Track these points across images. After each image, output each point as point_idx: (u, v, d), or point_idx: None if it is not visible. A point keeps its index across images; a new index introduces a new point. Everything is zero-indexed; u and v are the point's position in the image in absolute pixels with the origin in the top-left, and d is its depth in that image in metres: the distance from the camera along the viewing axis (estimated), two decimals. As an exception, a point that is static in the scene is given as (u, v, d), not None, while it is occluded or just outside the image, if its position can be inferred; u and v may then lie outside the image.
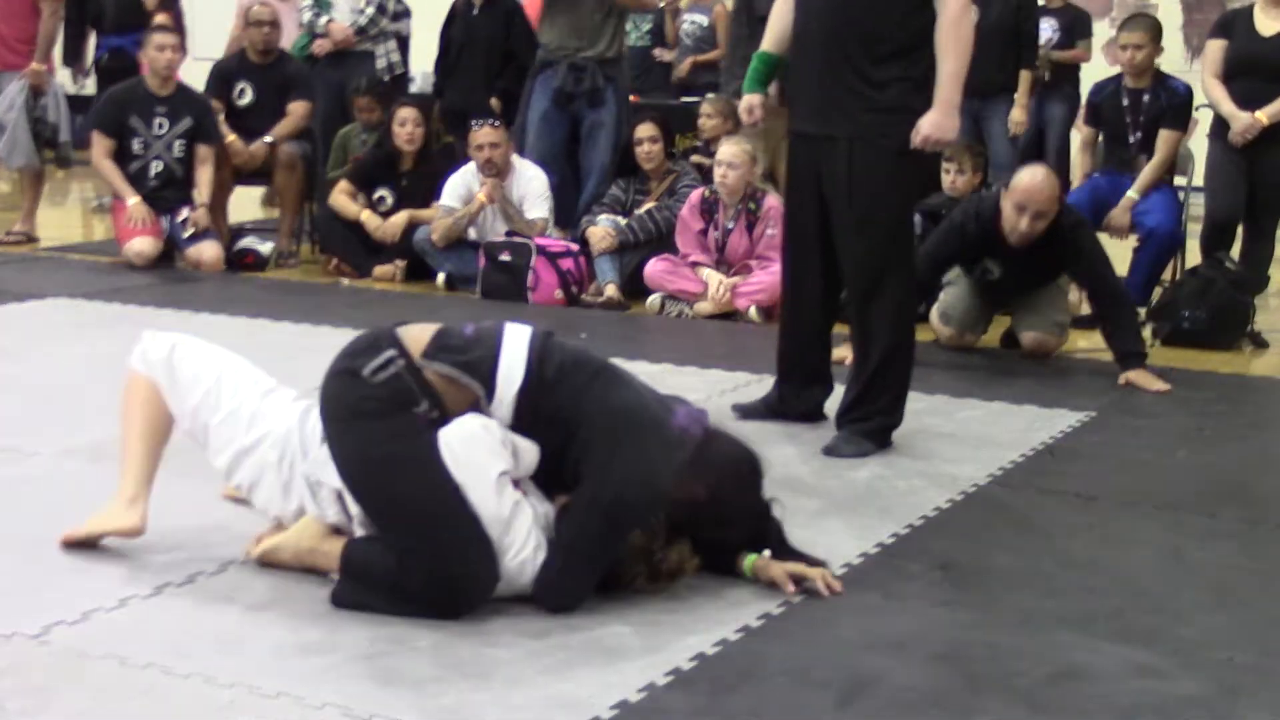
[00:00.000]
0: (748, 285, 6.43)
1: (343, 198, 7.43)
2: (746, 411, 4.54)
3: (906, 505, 3.79)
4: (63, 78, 9.04)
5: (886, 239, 4.25)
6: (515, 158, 7.14)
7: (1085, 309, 6.16)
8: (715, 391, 4.84)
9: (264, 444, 3.13)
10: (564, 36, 7.30)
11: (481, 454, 2.95)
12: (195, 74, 8.03)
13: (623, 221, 6.88)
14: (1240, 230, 6.56)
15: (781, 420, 4.47)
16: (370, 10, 8.28)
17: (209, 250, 7.23)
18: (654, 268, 6.61)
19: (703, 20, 9.75)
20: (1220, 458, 4.42)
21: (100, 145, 7.32)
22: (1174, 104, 6.47)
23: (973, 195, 6.15)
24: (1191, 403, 5.08)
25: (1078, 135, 7.13)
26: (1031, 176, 5.37)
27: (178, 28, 8.49)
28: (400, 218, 7.29)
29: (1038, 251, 5.45)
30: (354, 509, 3.05)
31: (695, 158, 7.31)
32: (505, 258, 6.81)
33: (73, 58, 9.71)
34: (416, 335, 3.07)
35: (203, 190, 7.31)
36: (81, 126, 8.38)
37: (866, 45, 4.15)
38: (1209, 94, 6.44)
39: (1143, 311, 6.49)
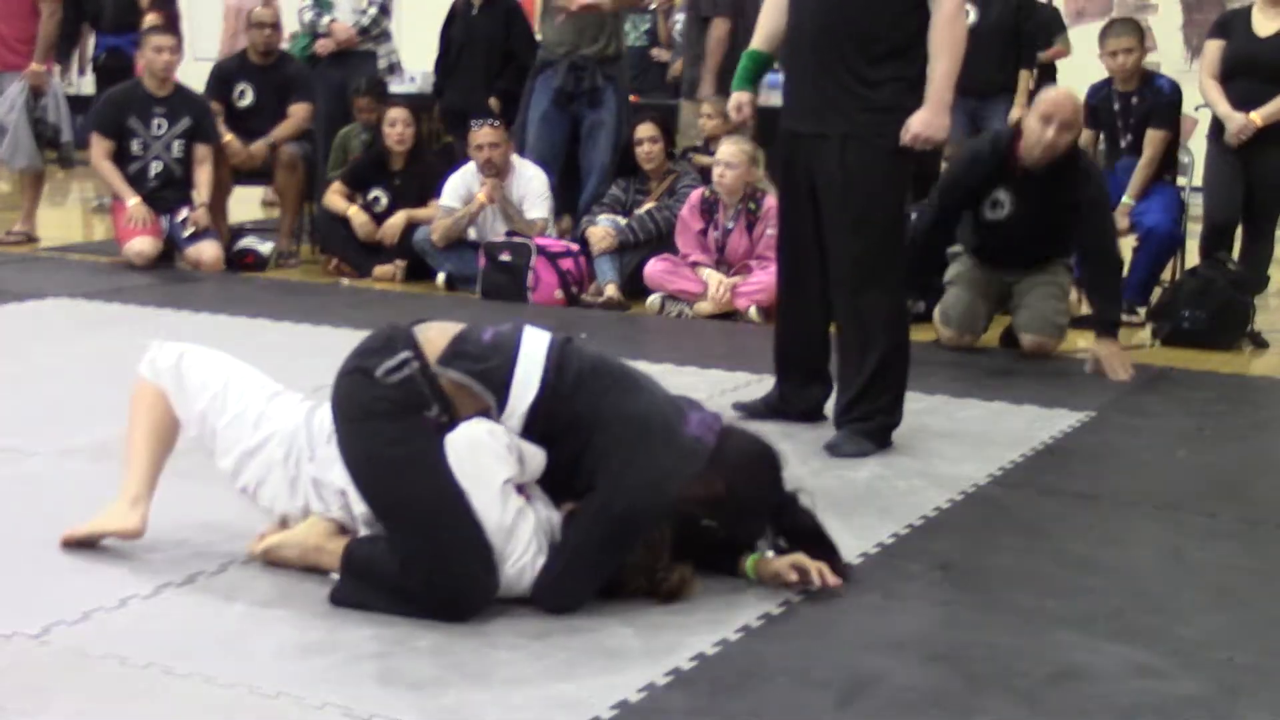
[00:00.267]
0: (748, 285, 6.43)
1: (335, 197, 7.45)
2: (747, 411, 4.54)
3: (906, 505, 3.79)
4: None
5: (881, 238, 4.25)
6: (515, 158, 7.14)
7: (1085, 309, 6.17)
8: (715, 391, 4.83)
9: (270, 443, 3.13)
10: (564, 36, 7.30)
11: (487, 460, 2.95)
12: (194, 74, 8.03)
13: (623, 221, 6.88)
14: (1239, 231, 6.56)
15: (782, 419, 4.47)
16: (373, 10, 8.28)
17: (209, 250, 7.23)
18: (654, 268, 6.61)
19: (696, 20, 9.74)
20: (1220, 458, 4.42)
21: (99, 147, 7.32)
22: (1160, 103, 6.48)
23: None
24: (1191, 403, 5.08)
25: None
26: (1056, 91, 5.61)
27: (173, 28, 8.50)
28: (399, 219, 7.30)
29: (1050, 181, 5.46)
30: (357, 509, 3.05)
31: (696, 158, 7.31)
32: (505, 258, 6.81)
33: (63, 56, 9.69)
34: (434, 338, 3.05)
35: (202, 190, 7.32)
36: (82, 127, 8.38)
37: (861, 45, 4.15)
38: (1205, 94, 6.44)
39: (1142, 311, 6.51)
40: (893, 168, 4.23)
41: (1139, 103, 6.49)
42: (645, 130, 6.93)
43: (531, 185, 7.08)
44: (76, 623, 2.88)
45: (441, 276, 7.11)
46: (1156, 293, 6.56)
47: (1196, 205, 7.21)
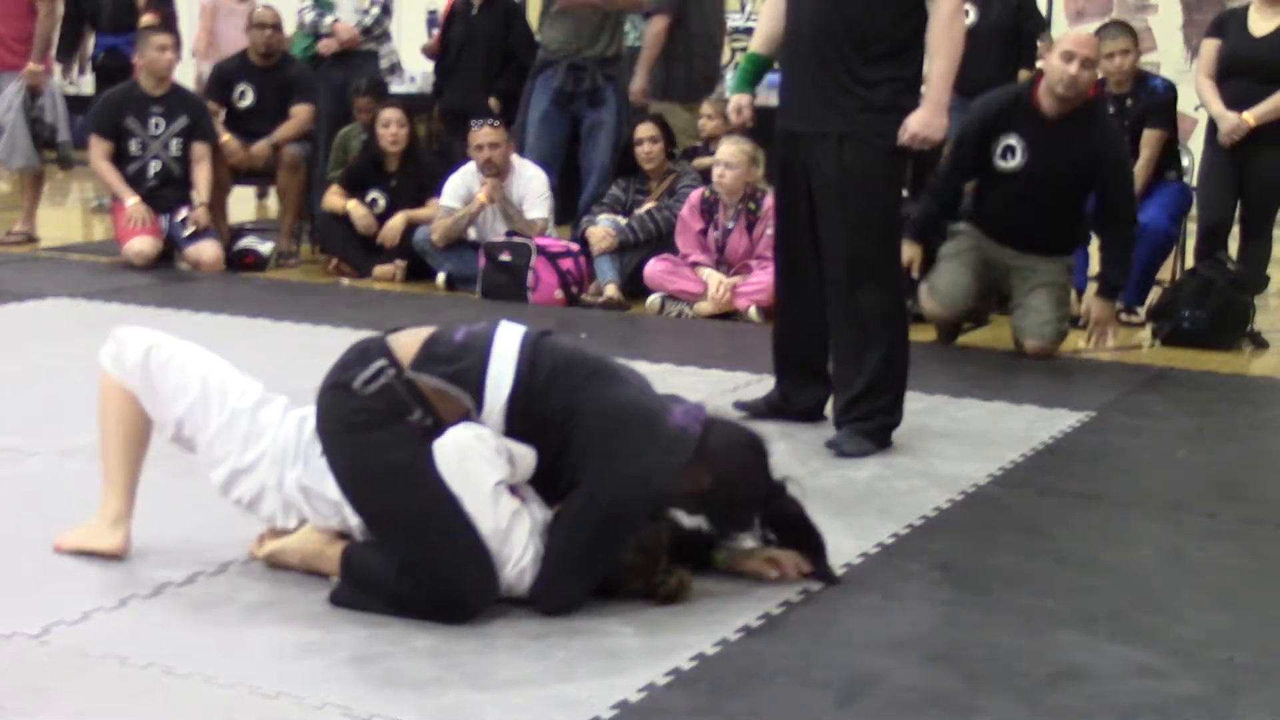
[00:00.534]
0: (748, 285, 6.43)
1: (333, 198, 7.45)
2: (748, 411, 4.54)
3: (906, 505, 3.79)
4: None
5: (879, 237, 4.26)
6: (515, 158, 7.14)
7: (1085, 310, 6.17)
8: (715, 391, 4.83)
9: (262, 463, 3.08)
10: (564, 36, 7.30)
11: (476, 465, 2.92)
12: (191, 74, 8.03)
13: (623, 221, 6.88)
14: (1236, 231, 6.56)
15: (782, 419, 4.47)
16: (375, 10, 8.28)
17: (209, 250, 7.24)
18: (654, 268, 6.61)
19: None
20: (1220, 458, 4.43)
21: (98, 148, 7.33)
22: (1155, 103, 6.48)
23: None
24: (1191, 403, 5.08)
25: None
26: (1078, 30, 5.74)
27: (170, 27, 8.50)
28: (398, 220, 7.30)
29: (1067, 131, 5.45)
30: (353, 520, 3.04)
31: (697, 160, 7.31)
32: (505, 258, 6.82)
33: (65, 55, 9.69)
34: (406, 343, 3.02)
35: (201, 189, 7.32)
36: (81, 127, 8.38)
37: (859, 45, 4.15)
38: (1200, 94, 6.43)
39: (1142, 311, 6.51)
40: (890, 167, 4.24)
41: (1134, 104, 6.49)
42: (645, 130, 6.93)
43: (531, 185, 7.08)
44: (76, 623, 2.88)
45: (441, 276, 7.11)
46: (1156, 293, 6.55)
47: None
